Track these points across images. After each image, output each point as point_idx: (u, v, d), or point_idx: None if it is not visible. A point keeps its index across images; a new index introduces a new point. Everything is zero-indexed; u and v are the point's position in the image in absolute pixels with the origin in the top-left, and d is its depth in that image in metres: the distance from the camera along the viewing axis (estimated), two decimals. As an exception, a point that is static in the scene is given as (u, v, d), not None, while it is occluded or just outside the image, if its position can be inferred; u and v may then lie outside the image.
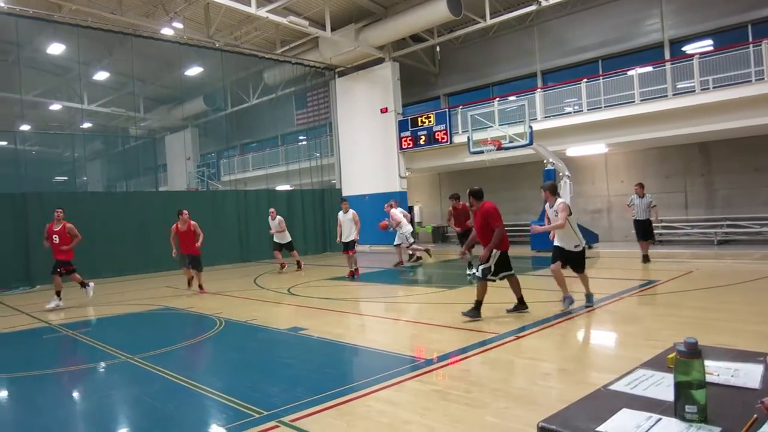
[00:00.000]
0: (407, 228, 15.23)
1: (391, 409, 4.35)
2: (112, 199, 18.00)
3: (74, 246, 10.89)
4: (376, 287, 12.34)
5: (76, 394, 5.61)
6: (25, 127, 30.98)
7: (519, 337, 6.37)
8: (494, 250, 7.40)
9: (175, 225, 11.65)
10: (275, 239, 15.36)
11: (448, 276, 13.56)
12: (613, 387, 1.83)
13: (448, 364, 5.45)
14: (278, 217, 15.38)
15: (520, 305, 7.64)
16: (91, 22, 16.85)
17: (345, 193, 21.83)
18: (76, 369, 6.54)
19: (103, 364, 6.47)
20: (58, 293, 10.68)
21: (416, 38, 21.02)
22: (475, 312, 7.33)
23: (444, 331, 6.96)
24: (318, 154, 24.57)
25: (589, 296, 7.83)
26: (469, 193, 7.77)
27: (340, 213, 13.32)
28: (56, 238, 10.70)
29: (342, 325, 8.29)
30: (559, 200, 7.75)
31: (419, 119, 20.62)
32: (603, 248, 16.87)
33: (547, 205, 7.90)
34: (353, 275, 13.07)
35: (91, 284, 11.26)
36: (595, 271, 12.92)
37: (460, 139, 19.16)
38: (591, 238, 17.36)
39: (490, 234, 7.36)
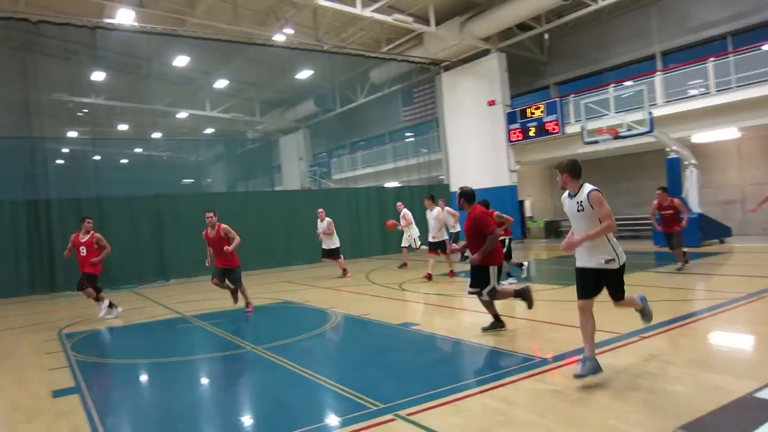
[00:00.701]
0: (415, 231, 14.97)
1: (507, 408, 4.28)
2: (234, 199, 19.14)
3: (103, 259, 9.83)
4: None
5: (207, 380, 6.03)
6: (156, 135, 33.81)
7: (643, 338, 6.01)
8: (491, 268, 6.58)
9: (204, 231, 9.75)
10: (323, 245, 14.05)
11: (563, 273, 13.09)
12: (760, 395, 1.69)
13: (565, 364, 5.27)
14: (327, 219, 13.98)
15: (497, 323, 6.87)
16: (211, 33, 17.99)
17: (453, 189, 21.72)
18: (207, 357, 7.04)
19: (230, 353, 6.93)
20: (102, 300, 9.91)
21: (523, 27, 20.42)
22: (497, 322, 6.82)
23: (560, 329, 6.73)
24: (425, 150, 24.63)
25: (644, 311, 5.57)
26: (459, 194, 7.03)
27: (427, 211, 13.09)
28: (83, 250, 9.66)
29: (454, 321, 8.26)
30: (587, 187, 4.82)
31: (528, 110, 20.05)
32: (737, 242, 15.51)
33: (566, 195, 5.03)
34: (451, 275, 12.46)
35: (119, 309, 10.13)
36: (729, 268, 11.91)
37: (572, 129, 18.42)
38: (723, 231, 16.02)
39: (482, 241, 6.56)
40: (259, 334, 7.99)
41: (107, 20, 16.11)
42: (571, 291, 5.28)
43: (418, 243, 14.86)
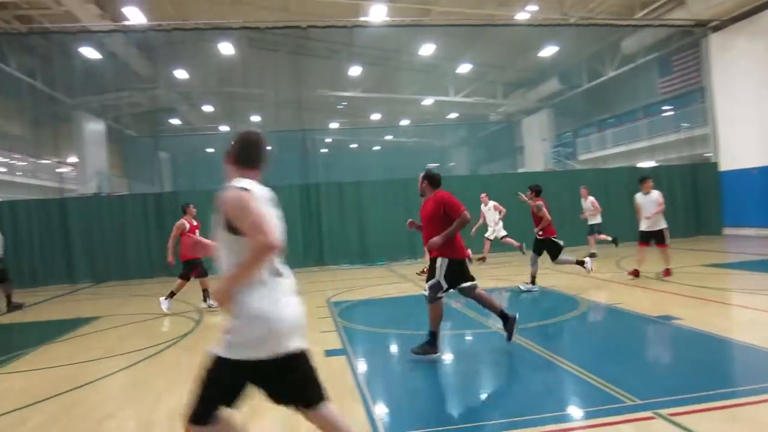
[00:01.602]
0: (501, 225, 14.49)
1: (801, 421, 3.64)
2: (476, 182, 19.45)
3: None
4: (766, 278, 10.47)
5: (453, 356, 6.27)
6: (404, 122, 36.06)
7: None
8: (440, 259, 5.62)
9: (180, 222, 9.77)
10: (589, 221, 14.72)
11: None
12: None
13: None
14: (590, 197, 14.77)
15: (505, 321, 5.93)
16: (455, 20, 18.44)
17: (724, 168, 19.04)
18: (454, 333, 7.33)
19: (477, 332, 7.12)
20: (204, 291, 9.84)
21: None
22: (427, 346, 5.70)
23: None
24: (687, 125, 21.95)
25: None
26: (423, 176, 6.14)
27: (638, 194, 10.74)
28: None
29: (726, 317, 7.29)
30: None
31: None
32: None
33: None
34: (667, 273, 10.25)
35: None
36: None
37: None
38: None
39: (442, 227, 5.60)
40: (504, 315, 8.04)
41: (362, 18, 17.61)
42: None
43: (503, 233, 14.68)
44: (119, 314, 9.95)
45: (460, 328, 7.51)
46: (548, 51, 24.32)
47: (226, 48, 19.91)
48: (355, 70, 25.63)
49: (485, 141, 37.43)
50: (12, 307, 11.40)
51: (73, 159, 27.16)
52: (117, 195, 19.69)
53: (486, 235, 14.99)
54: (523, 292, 9.77)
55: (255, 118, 29.22)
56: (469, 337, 6.95)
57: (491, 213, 14.78)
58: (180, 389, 5.39)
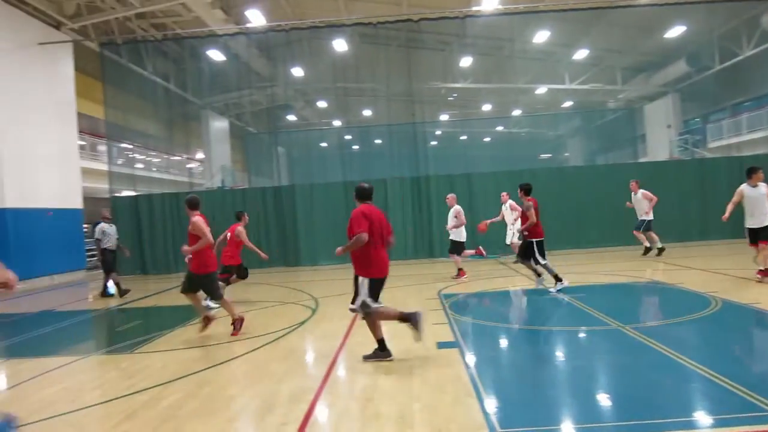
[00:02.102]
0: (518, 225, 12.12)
1: None
2: (594, 173, 18.56)
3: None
4: None
5: (570, 352, 6.04)
6: (516, 112, 35.16)
7: None
8: (360, 278, 5.70)
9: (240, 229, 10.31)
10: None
11: None
12: None
13: None
14: (641, 191, 13.45)
15: (380, 350, 5.82)
16: (572, 3, 17.61)
17: None
18: (569, 329, 7.05)
19: (594, 328, 6.80)
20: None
21: None
22: (379, 352, 5.78)
23: None
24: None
25: None
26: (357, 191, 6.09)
27: (743, 185, 9.26)
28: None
29: None
30: None
31: None
32: None
33: None
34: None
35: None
36: None
37: None
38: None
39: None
40: (626, 313, 7.60)
41: (474, 8, 17.34)
42: None
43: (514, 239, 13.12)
44: (240, 301, 10.56)
45: (577, 325, 7.20)
46: (675, 31, 22.63)
47: (340, 44, 20.43)
48: (466, 61, 25.33)
49: (602, 130, 35.59)
50: (122, 292, 12.48)
51: (200, 155, 29.27)
52: (239, 188, 20.95)
53: (507, 242, 14.05)
54: (557, 291, 9.13)
55: (367, 112, 29.78)
56: (586, 334, 6.65)
57: (509, 213, 13.76)
58: (298, 374, 5.65)
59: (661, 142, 29.16)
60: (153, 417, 4.50)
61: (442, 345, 6.17)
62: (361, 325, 7.54)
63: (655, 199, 13.31)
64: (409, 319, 5.76)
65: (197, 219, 7.26)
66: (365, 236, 5.55)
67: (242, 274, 10.63)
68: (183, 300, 11.46)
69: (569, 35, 24.35)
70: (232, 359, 6.19)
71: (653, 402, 4.24)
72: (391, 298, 9.67)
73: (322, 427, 4.10)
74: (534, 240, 9.29)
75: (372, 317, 5.78)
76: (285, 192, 17.17)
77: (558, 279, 9.26)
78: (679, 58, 26.15)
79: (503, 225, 13.87)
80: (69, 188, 18.10)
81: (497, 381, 5.09)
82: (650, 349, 5.58)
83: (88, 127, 21.69)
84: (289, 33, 17.72)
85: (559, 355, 5.98)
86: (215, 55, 21.01)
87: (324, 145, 29.05)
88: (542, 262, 9.27)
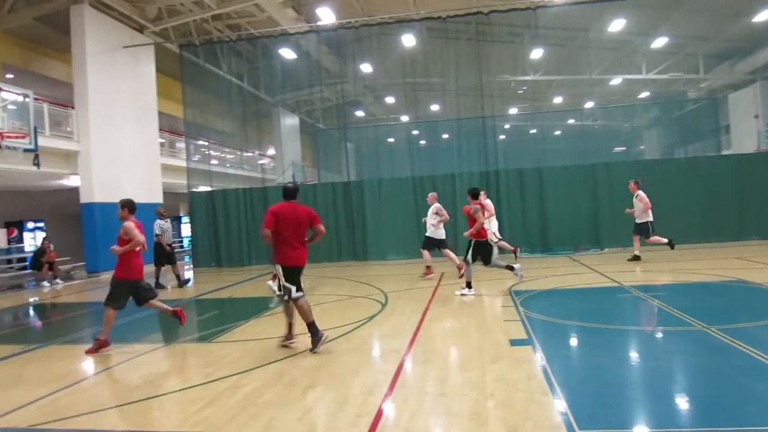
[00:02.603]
0: (495, 224, 13.27)
1: None
2: (672, 166, 17.71)
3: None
4: None
5: (650, 353, 5.80)
6: (589, 104, 34.02)
7: None
8: (277, 266, 6.44)
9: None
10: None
11: None
12: None
13: None
14: (639, 192, 12.66)
15: (289, 337, 6.64)
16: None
17: None
18: (649, 329, 6.79)
19: (676, 329, 6.50)
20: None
21: None
22: (316, 339, 6.27)
23: None
24: None
25: None
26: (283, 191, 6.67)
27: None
28: None
29: None
30: None
31: None
32: None
33: None
34: None
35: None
36: None
37: None
38: None
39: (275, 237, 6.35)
40: (711, 313, 7.22)
41: (546, -1, 16.90)
42: None
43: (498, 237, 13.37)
44: (312, 294, 10.79)
45: (657, 325, 6.92)
46: (764, 15, 21.20)
47: (408, 40, 20.42)
48: (536, 53, 24.74)
49: (682, 121, 33.86)
50: (182, 282, 13.30)
51: (271, 151, 30.06)
52: (309, 183, 21.38)
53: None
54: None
55: (434, 107, 29.65)
56: (667, 335, 6.38)
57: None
58: (370, 367, 5.72)
59: (747, 133, 27.43)
60: (233, 404, 4.67)
61: (514, 342, 6.08)
62: (432, 320, 7.56)
63: (650, 204, 12.50)
64: (313, 333, 6.31)
65: (129, 224, 7.35)
66: (267, 231, 6.29)
67: None
68: (256, 292, 11.87)
69: (647, 23, 23.29)
70: (306, 351, 6.33)
71: (743, 408, 4.02)
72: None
73: (396, 420, 4.12)
74: (476, 240, 9.44)
75: (296, 304, 6.39)
76: (354, 187, 17.37)
77: (468, 285, 9.47)
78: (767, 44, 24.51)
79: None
80: (150, 184, 19.05)
81: (573, 380, 4.95)
82: (738, 351, 5.28)
83: (167, 125, 22.72)
84: (358, 30, 17.87)
85: (639, 355, 5.76)
86: (287, 53, 21.49)
87: (391, 140, 29.18)
88: (470, 262, 9.46)
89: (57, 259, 16.39)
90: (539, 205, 16.36)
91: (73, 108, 16.76)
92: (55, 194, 21.18)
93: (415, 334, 6.82)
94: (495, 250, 9.66)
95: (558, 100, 33.58)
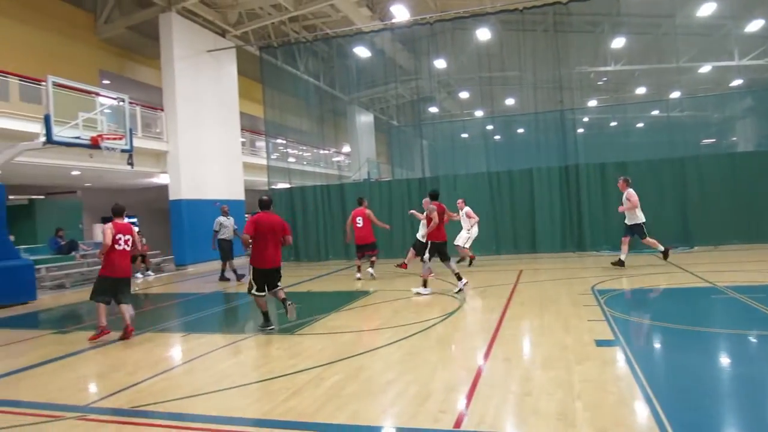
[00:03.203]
0: (474, 231, 13.51)
1: None
2: (770, 159, 16.55)
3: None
4: None
5: (750, 357, 5.45)
6: (675, 94, 32.29)
7: None
8: (249, 266, 7.60)
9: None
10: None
11: None
12: None
13: None
14: (629, 189, 11.99)
15: (266, 322, 7.66)
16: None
17: None
18: (750, 333, 6.38)
19: (779, 334, 6.09)
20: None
21: None
22: (264, 324, 7.59)
23: None
24: None
25: None
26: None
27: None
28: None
29: None
30: None
31: None
32: None
33: None
34: None
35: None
36: None
37: None
38: None
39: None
40: (817, 317, 6.71)
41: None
42: None
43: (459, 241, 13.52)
44: (389, 289, 10.89)
45: (755, 328, 6.49)
46: None
47: (483, 33, 20.12)
48: (618, 42, 23.75)
49: (781, 110, 31.47)
50: (237, 276, 13.77)
51: (346, 148, 30.50)
52: (384, 180, 21.54)
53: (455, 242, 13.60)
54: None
55: (509, 101, 29.08)
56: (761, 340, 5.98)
57: (465, 219, 13.52)
58: (452, 364, 5.72)
59: None
60: (317, 396, 4.79)
61: (600, 342, 5.88)
62: (512, 318, 7.45)
63: (638, 204, 11.55)
64: (265, 319, 7.62)
65: (105, 226, 7.76)
66: (246, 236, 7.37)
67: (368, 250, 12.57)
68: (334, 287, 12.11)
69: (740, 5, 21.84)
70: (385, 345, 6.40)
71: None
72: (540, 293, 9.47)
73: (481, 418, 4.08)
74: (432, 241, 9.94)
75: (255, 297, 7.60)
76: (429, 183, 17.32)
77: (424, 284, 9.88)
78: None
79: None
80: (233, 181, 19.81)
81: (666, 385, 4.73)
82: None
83: (247, 125, 23.53)
84: (433, 26, 17.80)
85: (737, 361, 5.43)
86: (361, 51, 21.73)
87: (465, 135, 28.91)
88: (427, 260, 9.91)
89: (148, 252, 17.38)
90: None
91: (162, 110, 17.69)
92: (144, 191, 22.47)
93: (496, 331, 6.74)
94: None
95: (641, 90, 32.05)
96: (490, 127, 21.62)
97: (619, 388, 4.48)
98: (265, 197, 7.73)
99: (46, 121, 10.93)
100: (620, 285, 9.76)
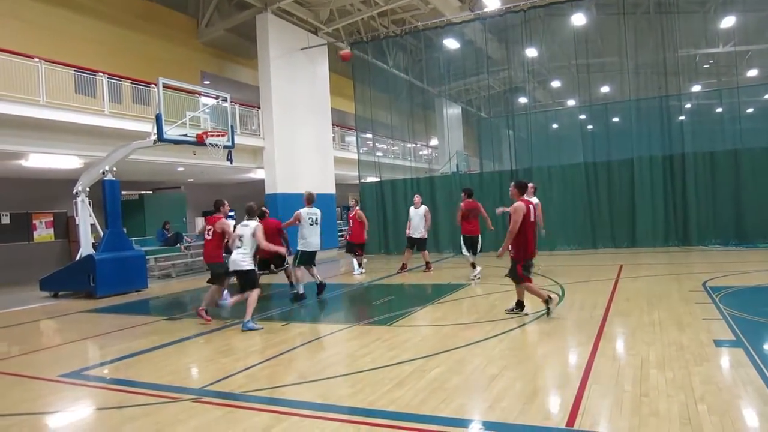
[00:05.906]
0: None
1: None
2: None
3: None
4: None
5: None
6: (792, 76, 29.53)
7: None
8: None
9: None
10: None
11: None
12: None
13: None
14: None
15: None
16: None
17: None
18: None
19: None
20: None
21: None
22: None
23: None
24: None
25: None
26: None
27: None
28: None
29: None
30: None
31: None
32: None
33: None
34: None
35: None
36: None
37: None
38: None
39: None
40: None
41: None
42: None
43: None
44: (487, 283, 10.74)
45: None
46: None
47: (578, 19, 19.33)
48: (727, 21, 22.06)
49: None
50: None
51: (434, 142, 30.37)
52: (474, 173, 21.28)
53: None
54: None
55: (604, 89, 27.80)
56: None
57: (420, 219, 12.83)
58: (557, 360, 5.54)
59: None
60: (421, 387, 4.78)
61: (720, 343, 5.50)
62: (618, 314, 7.13)
63: None
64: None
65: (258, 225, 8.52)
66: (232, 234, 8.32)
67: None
68: (426, 279, 12.10)
69: None
70: (485, 339, 6.31)
71: None
72: (645, 289, 9.00)
73: (595, 418, 3.92)
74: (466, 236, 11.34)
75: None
76: (521, 175, 16.87)
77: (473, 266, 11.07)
78: None
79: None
80: (325, 175, 20.25)
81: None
82: None
83: (336, 120, 23.97)
84: (526, 12, 17.28)
85: None
86: (450, 43, 21.52)
87: (555, 126, 27.96)
88: (470, 255, 11.26)
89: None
90: (734, 191, 14.65)
91: (258, 108, 18.35)
92: (240, 186, 23.45)
93: (601, 328, 6.47)
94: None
95: (752, 73, 29.65)
96: (582, 117, 20.81)
97: (747, 393, 4.17)
98: (251, 203, 8.49)
99: (158, 120, 11.60)
100: (736, 281, 9.09)
